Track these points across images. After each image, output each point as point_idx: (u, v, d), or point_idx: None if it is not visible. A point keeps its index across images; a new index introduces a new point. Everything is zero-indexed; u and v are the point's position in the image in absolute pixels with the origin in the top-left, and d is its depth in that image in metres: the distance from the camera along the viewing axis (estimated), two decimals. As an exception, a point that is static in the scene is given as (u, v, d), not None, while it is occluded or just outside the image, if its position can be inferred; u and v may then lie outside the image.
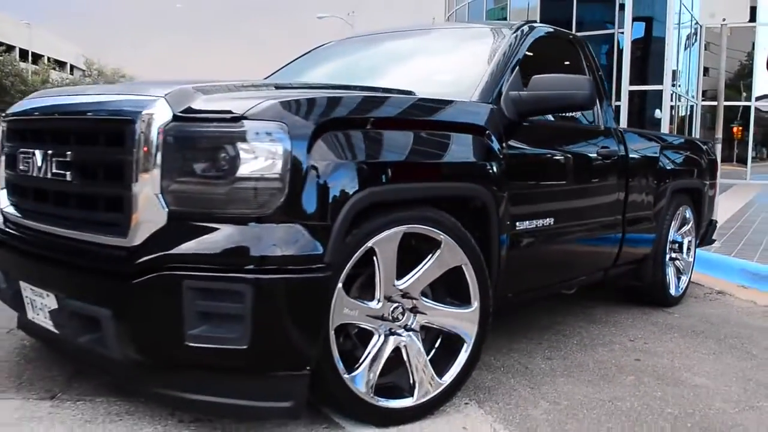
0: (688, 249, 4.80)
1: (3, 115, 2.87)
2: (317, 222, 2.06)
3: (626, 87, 15.56)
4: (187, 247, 2.00)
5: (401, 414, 2.41)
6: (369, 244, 2.24)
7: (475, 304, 2.58)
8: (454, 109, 2.68)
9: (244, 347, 1.99)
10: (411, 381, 2.43)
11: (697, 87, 19.14)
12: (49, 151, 2.31)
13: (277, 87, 2.77)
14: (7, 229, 2.61)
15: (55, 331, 2.34)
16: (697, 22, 17.02)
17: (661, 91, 15.50)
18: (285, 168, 2.00)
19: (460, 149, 2.63)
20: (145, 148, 2.02)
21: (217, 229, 2.01)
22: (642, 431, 2.47)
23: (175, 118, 2.02)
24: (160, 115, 2.03)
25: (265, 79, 3.98)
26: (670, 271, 4.54)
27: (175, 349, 2.02)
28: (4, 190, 2.75)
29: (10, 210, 2.65)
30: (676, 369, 3.15)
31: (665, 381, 2.98)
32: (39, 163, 2.35)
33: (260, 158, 2.00)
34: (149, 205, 2.03)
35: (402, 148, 2.37)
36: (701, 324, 4.03)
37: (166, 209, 2.03)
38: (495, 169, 2.70)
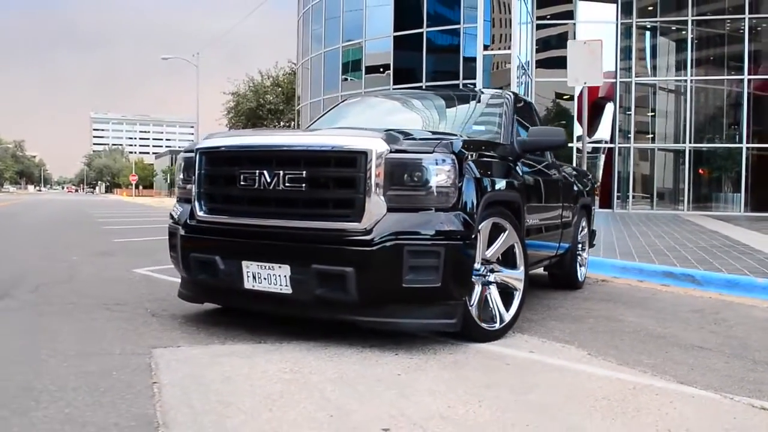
0: (583, 249, 6.81)
1: (197, 148, 3.93)
2: (471, 212, 3.55)
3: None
4: (405, 226, 3.38)
5: (492, 334, 3.90)
6: (479, 227, 3.75)
7: (521, 268, 4.17)
8: (503, 147, 4.31)
9: (438, 285, 3.40)
10: (493, 314, 3.94)
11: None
12: (281, 172, 3.52)
13: (434, 133, 4.13)
14: (220, 226, 3.73)
15: (285, 291, 3.52)
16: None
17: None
18: (454, 180, 3.47)
19: (510, 171, 4.26)
20: (375, 169, 3.38)
21: (421, 216, 3.42)
22: (613, 340, 4.19)
23: (391, 151, 3.41)
24: (382, 149, 3.40)
25: (314, 122, 5.33)
26: (577, 264, 6.48)
27: (395, 289, 3.38)
28: (197, 202, 3.85)
29: (216, 214, 3.77)
30: (612, 314, 4.97)
31: (610, 319, 4.77)
32: (268, 180, 3.55)
33: (441, 175, 3.45)
34: (376, 203, 3.39)
35: (493, 169, 3.94)
36: (606, 295, 5.96)
37: (386, 205, 3.39)
38: (519, 183, 4.35)
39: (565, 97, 23.68)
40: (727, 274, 6.67)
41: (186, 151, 4.22)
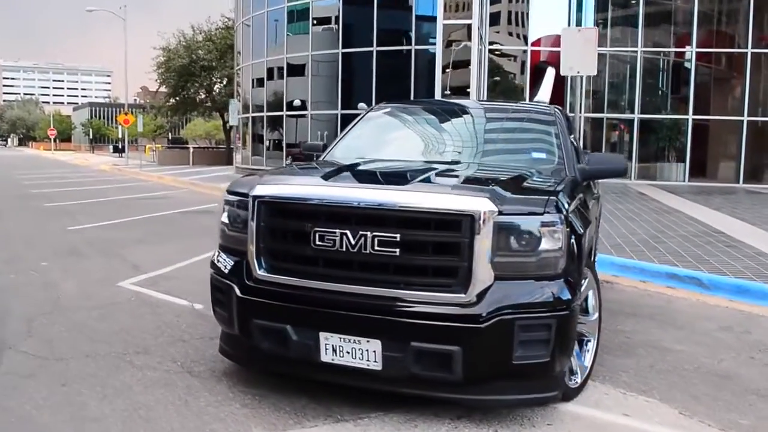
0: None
1: (253, 196, 3.39)
2: (577, 276, 3.24)
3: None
4: (514, 297, 3.04)
5: (575, 390, 3.64)
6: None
7: (596, 314, 3.92)
8: (578, 185, 3.99)
9: (547, 360, 3.10)
10: (572, 365, 3.67)
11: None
12: (368, 234, 3.08)
13: (535, 185, 3.69)
14: (289, 290, 3.26)
15: (373, 368, 3.12)
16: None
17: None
18: (562, 244, 3.14)
19: (587, 211, 3.96)
20: (484, 233, 2.99)
21: (530, 285, 3.08)
22: (686, 385, 4.04)
23: (499, 212, 3.03)
24: (490, 211, 3.01)
25: (339, 141, 4.82)
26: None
27: (504, 367, 3.05)
28: (256, 259, 3.35)
29: (281, 275, 3.29)
30: (651, 338, 4.84)
31: (655, 347, 4.64)
32: (352, 242, 3.10)
33: (551, 238, 3.11)
34: (483, 272, 3.02)
35: (582, 218, 3.61)
36: (622, 305, 5.85)
37: (493, 273, 3.03)
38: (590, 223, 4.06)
39: (509, 59, 23.37)
40: (735, 278, 6.70)
41: (231, 193, 3.67)
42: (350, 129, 5.02)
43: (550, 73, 24.74)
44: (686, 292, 6.69)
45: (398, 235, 3.07)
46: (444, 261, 3.09)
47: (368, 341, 3.12)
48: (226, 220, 3.66)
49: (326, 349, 3.21)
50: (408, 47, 22.37)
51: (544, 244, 3.09)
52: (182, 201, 15.95)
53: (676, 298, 6.45)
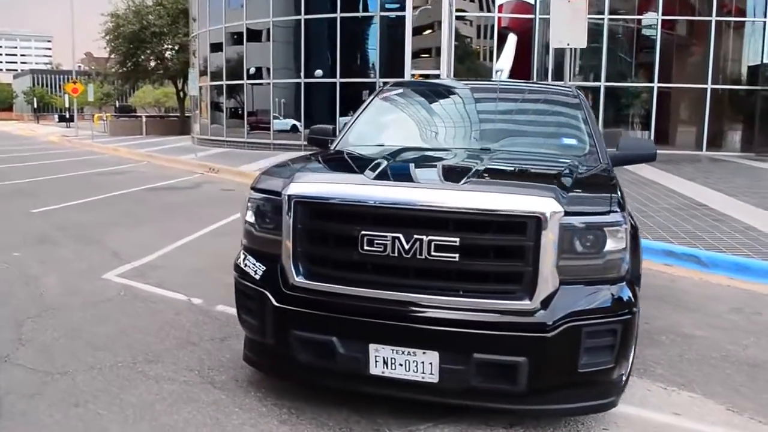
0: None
1: (288, 195, 3.07)
2: (637, 275, 3.06)
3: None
4: (581, 303, 2.84)
5: (622, 387, 3.49)
6: None
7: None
8: (612, 175, 3.78)
9: (611, 366, 2.93)
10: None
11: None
12: (424, 238, 2.82)
13: (591, 180, 3.49)
14: (333, 299, 2.99)
15: (428, 380, 2.90)
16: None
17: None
18: (626, 243, 2.95)
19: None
20: (550, 236, 2.77)
21: (595, 289, 2.88)
22: (723, 377, 3.97)
23: (566, 213, 2.81)
24: (556, 212, 2.79)
25: (352, 124, 4.50)
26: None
27: (569, 376, 2.87)
28: (293, 264, 3.07)
29: (322, 281, 3.02)
30: (670, 324, 4.76)
31: (678, 334, 4.56)
32: (405, 247, 2.84)
33: (616, 238, 2.91)
34: (548, 277, 2.81)
35: (630, 214, 3.42)
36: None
37: (558, 278, 2.82)
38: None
39: (470, 24, 22.99)
40: (733, 256, 6.70)
41: (258, 191, 3.34)
42: (362, 112, 4.67)
43: (512, 39, 24.53)
44: (686, 270, 6.67)
45: (458, 239, 2.81)
46: (507, 266, 2.86)
47: (424, 353, 2.89)
48: (252, 220, 3.33)
49: (376, 361, 2.95)
50: (372, 13, 21.79)
51: (609, 245, 2.89)
52: (145, 176, 15.29)
53: (678, 277, 6.41)
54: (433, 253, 2.83)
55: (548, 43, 21.41)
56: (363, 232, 2.91)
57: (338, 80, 21.77)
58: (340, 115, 21.64)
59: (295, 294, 3.07)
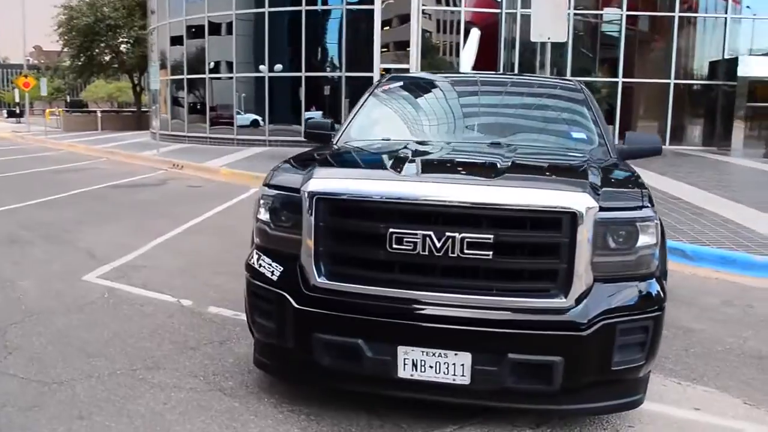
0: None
1: (309, 192, 2.92)
2: (665, 271, 3.03)
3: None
4: (615, 300, 2.78)
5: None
6: None
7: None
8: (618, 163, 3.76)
9: (642, 363, 2.88)
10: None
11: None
12: (456, 235, 2.71)
13: (618, 176, 3.39)
14: (358, 300, 2.86)
15: (460, 382, 2.79)
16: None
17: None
18: (657, 239, 2.90)
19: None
20: (585, 232, 2.70)
21: (628, 286, 2.82)
22: (733, 371, 3.98)
23: (601, 209, 2.74)
24: (591, 207, 2.72)
25: (352, 119, 4.35)
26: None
27: (603, 374, 2.81)
28: (314, 264, 2.92)
29: (346, 282, 2.89)
30: (669, 318, 4.78)
31: (679, 328, 4.58)
32: (437, 245, 2.73)
33: (647, 234, 2.85)
34: (583, 274, 2.74)
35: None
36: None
37: (593, 275, 2.75)
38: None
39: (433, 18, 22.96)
40: (717, 249, 6.80)
41: (272, 187, 3.18)
42: (361, 105, 4.52)
43: (475, 34, 24.60)
44: (672, 263, 6.72)
45: (491, 236, 2.71)
46: (542, 263, 2.78)
47: (456, 354, 2.78)
48: (266, 218, 3.17)
49: (405, 364, 2.83)
50: (337, 6, 21.54)
51: (642, 241, 2.83)
52: (106, 173, 14.79)
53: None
54: (465, 251, 2.73)
55: (514, 38, 21.70)
56: (391, 230, 2.78)
57: (303, 74, 21.46)
58: (306, 110, 21.39)
59: (317, 295, 2.92)
